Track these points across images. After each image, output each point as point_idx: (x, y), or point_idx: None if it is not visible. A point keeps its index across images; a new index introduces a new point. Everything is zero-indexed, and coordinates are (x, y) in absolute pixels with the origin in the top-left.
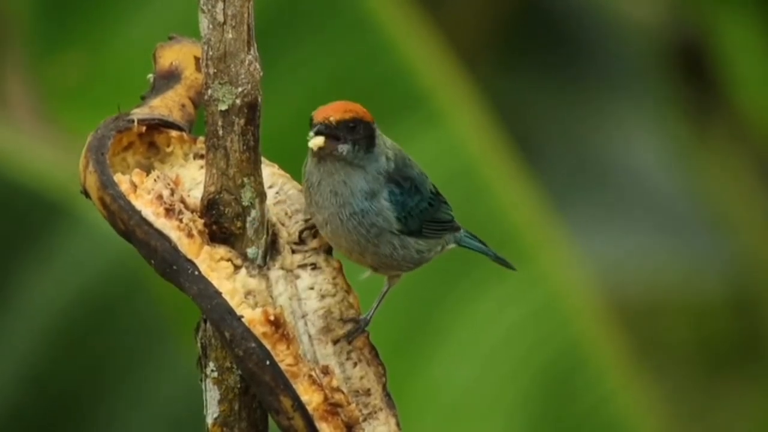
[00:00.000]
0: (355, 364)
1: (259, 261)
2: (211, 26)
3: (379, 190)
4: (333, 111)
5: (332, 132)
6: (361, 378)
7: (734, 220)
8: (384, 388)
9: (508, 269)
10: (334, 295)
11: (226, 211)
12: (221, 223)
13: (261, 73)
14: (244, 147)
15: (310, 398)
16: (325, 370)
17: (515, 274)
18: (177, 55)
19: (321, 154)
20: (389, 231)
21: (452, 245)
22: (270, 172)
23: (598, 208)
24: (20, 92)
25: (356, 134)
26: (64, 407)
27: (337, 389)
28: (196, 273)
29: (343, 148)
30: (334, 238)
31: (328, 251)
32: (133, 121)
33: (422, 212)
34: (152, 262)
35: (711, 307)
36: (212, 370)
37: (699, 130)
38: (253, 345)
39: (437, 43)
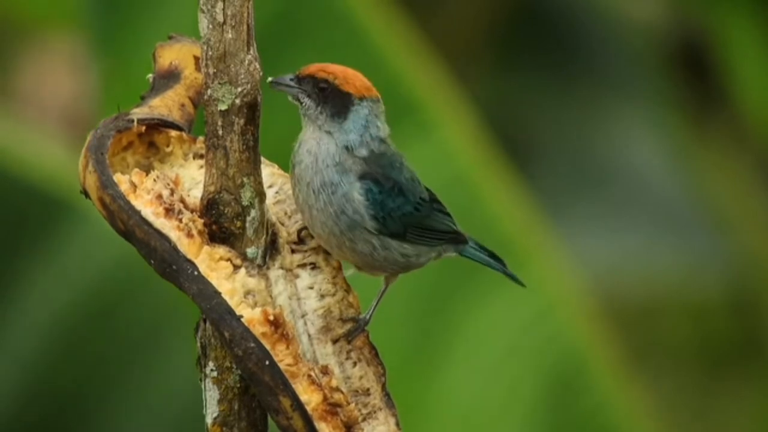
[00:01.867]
0: (355, 364)
1: (258, 261)
2: (210, 26)
3: (350, 168)
4: (315, 67)
5: (296, 82)
6: (361, 377)
7: (734, 220)
8: (383, 387)
9: (517, 284)
10: (333, 295)
11: (225, 211)
12: (221, 222)
13: (261, 73)
14: (244, 147)
15: (310, 398)
16: (325, 370)
17: (509, 284)
18: (176, 54)
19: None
20: (364, 227)
21: (451, 254)
22: (270, 172)
23: (597, 209)
24: (30, 87)
25: (324, 95)
26: (66, 405)
27: (337, 389)
28: (196, 273)
29: (305, 101)
30: (312, 224)
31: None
32: (132, 121)
33: (405, 216)
34: (152, 261)
35: (711, 307)
36: (212, 370)
37: (699, 130)
38: (253, 345)
39: (430, 51)
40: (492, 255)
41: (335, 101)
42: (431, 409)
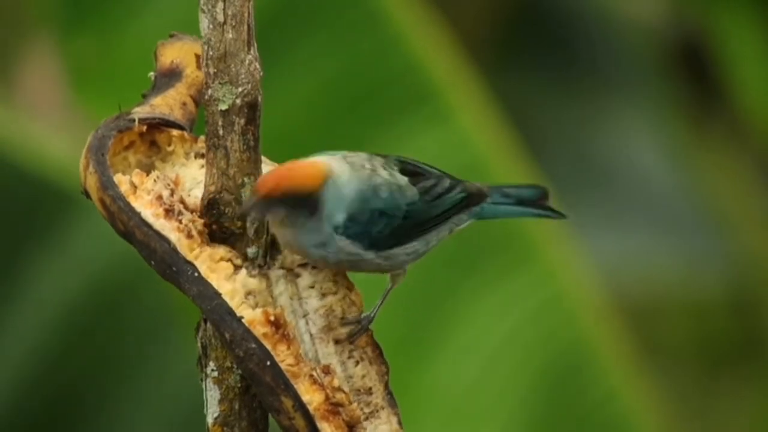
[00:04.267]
0: (357, 363)
1: (259, 260)
2: (211, 26)
3: (331, 237)
4: (266, 189)
5: (261, 207)
6: (363, 377)
7: (734, 219)
8: (386, 386)
9: (559, 218)
10: (335, 293)
11: (226, 211)
12: (221, 222)
13: (261, 73)
14: (245, 147)
15: (311, 398)
16: (327, 370)
17: (519, 273)
18: (178, 52)
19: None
20: (365, 258)
21: (465, 222)
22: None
23: (597, 209)
24: (37, 77)
25: (289, 205)
26: (69, 400)
27: (339, 389)
28: (196, 274)
29: (278, 215)
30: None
31: None
32: (134, 121)
33: (396, 229)
34: (152, 263)
35: (711, 307)
36: (212, 370)
37: (699, 129)
38: (254, 346)
39: (446, 38)
40: (521, 201)
41: (303, 205)
42: (422, 396)
